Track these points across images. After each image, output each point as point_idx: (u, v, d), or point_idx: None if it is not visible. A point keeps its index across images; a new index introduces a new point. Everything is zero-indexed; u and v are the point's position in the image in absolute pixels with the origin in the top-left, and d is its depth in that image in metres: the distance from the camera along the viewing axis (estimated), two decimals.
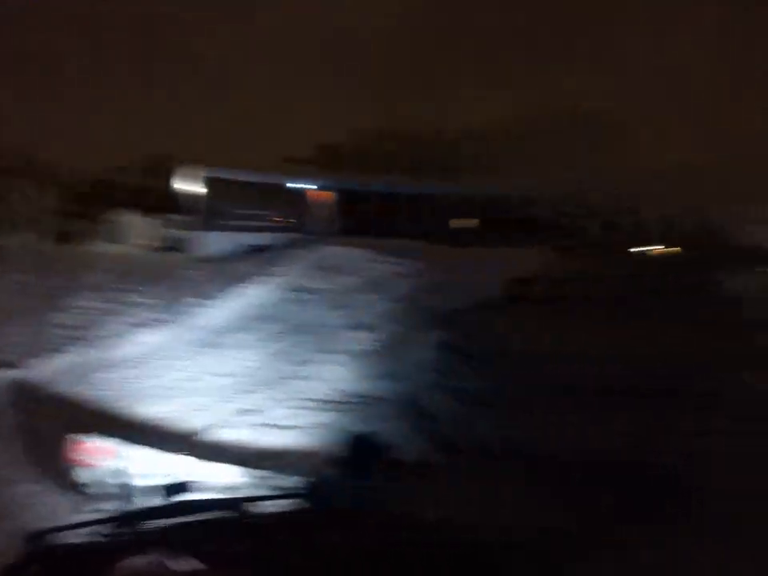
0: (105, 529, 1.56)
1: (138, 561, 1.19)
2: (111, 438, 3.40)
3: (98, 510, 3.11)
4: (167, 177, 24.79)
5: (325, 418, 4.97)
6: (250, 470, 3.07)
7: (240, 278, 10.20)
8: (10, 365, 6.22)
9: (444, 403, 5.19)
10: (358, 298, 8.14)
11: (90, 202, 35.39)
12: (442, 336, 6.54)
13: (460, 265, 10.08)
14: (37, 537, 1.40)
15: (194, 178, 19.38)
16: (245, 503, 1.67)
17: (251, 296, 9.01)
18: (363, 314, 7.31)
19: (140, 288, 9.84)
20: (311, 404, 5.27)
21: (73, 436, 3.41)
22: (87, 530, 1.56)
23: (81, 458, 3.32)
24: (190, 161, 20.14)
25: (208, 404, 5.35)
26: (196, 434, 4.79)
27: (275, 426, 4.87)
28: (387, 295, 7.87)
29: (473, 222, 20.09)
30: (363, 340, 6.48)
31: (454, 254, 11.15)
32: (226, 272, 11.52)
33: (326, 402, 5.24)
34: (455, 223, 20.18)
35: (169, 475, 2.85)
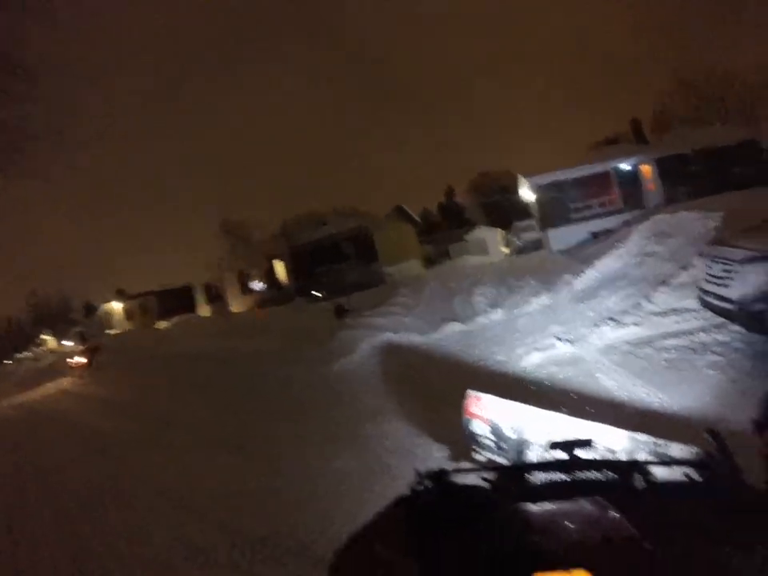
0: (493, 476, 1.65)
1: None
2: (503, 398, 3.48)
3: (487, 460, 3.60)
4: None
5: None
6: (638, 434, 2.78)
7: (591, 257, 14.19)
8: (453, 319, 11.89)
9: None
10: (683, 251, 11.14)
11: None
12: None
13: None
14: (431, 475, 1.47)
15: (529, 187, 23.71)
16: (630, 467, 1.56)
17: (602, 267, 12.88)
18: (688, 262, 10.25)
19: (525, 276, 14.92)
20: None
21: (471, 392, 3.54)
22: (478, 474, 1.66)
23: (477, 411, 3.34)
24: (525, 172, 24.61)
25: (580, 335, 9.36)
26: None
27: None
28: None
29: None
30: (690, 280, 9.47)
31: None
32: (579, 255, 15.70)
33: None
34: None
35: (555, 433, 2.75)
